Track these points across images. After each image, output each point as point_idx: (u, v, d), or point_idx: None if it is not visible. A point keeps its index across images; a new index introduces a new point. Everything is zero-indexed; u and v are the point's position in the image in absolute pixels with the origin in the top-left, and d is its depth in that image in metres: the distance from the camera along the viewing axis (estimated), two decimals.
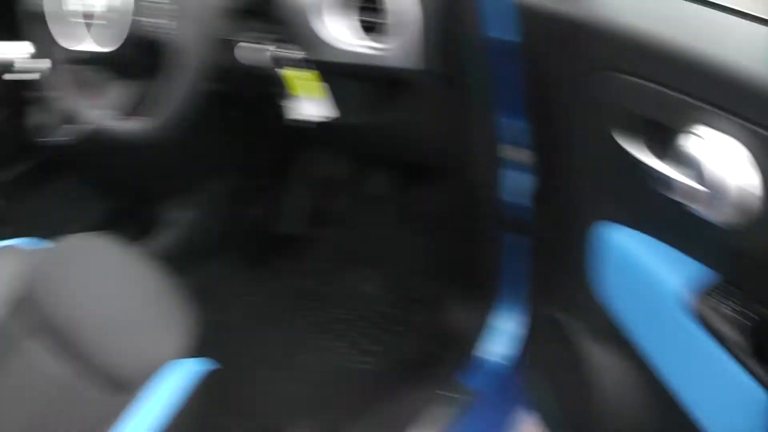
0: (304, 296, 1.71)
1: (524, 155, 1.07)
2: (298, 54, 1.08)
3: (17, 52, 1.30)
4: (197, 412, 1.00)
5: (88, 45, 1.11)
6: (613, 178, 0.90)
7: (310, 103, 1.11)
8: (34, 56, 1.28)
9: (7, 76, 1.31)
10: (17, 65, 1.30)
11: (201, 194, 1.72)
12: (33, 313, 1.00)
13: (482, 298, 1.35)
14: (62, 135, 1.37)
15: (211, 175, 1.71)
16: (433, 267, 1.59)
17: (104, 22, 1.08)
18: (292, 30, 1.08)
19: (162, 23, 1.05)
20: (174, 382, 0.96)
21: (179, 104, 1.04)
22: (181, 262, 1.24)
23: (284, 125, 1.15)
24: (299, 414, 1.46)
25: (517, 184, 1.12)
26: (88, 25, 1.10)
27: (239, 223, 1.80)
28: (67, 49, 1.15)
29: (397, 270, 1.70)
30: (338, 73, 1.11)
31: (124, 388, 0.95)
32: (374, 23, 1.04)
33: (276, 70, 1.09)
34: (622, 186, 0.89)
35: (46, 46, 1.18)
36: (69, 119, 1.23)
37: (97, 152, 1.48)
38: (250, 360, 1.56)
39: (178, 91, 1.04)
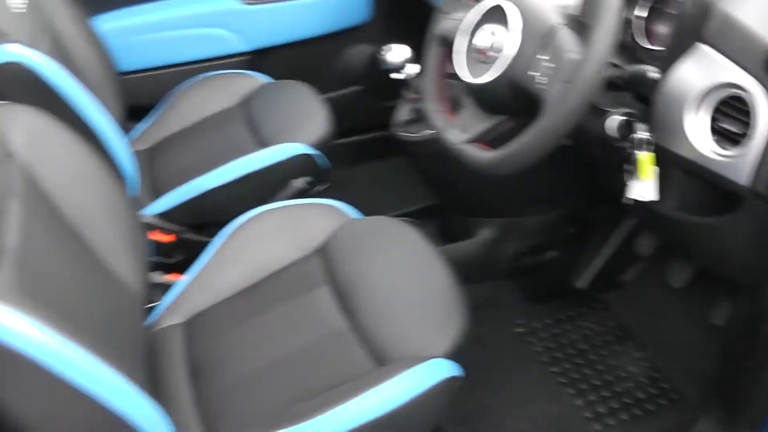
0: (564, 347, 1.77)
1: None
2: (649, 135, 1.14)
3: (403, 55, 1.63)
4: (436, 411, 1.15)
5: (463, 71, 1.25)
6: None
7: (644, 185, 1.16)
8: (409, 60, 1.63)
9: (393, 75, 1.64)
10: (405, 70, 1.64)
11: (510, 220, 1.80)
12: (327, 264, 1.34)
13: (742, 424, 1.36)
14: (414, 133, 1.67)
15: (524, 207, 1.78)
16: (702, 371, 1.58)
17: (485, 59, 1.20)
18: (659, 114, 1.15)
19: (536, 76, 1.11)
20: (427, 376, 1.10)
21: (529, 152, 1.10)
22: (468, 273, 1.37)
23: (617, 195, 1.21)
24: None
25: None
26: (474, 57, 1.23)
27: (535, 257, 1.85)
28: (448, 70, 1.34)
29: (666, 360, 1.72)
30: (678, 167, 1.16)
31: (385, 364, 1.15)
32: (728, 131, 1.09)
33: (632, 149, 1.14)
34: None
35: (431, 63, 1.39)
36: (424, 123, 1.48)
37: (433, 156, 1.63)
38: (493, 381, 1.67)
39: (533, 139, 1.09)
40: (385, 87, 1.88)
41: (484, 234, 1.81)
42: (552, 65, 1.10)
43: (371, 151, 2.31)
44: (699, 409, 1.48)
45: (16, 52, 1.38)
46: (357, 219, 1.46)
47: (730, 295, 1.53)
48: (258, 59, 2.20)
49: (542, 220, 1.81)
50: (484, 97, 1.25)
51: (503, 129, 1.24)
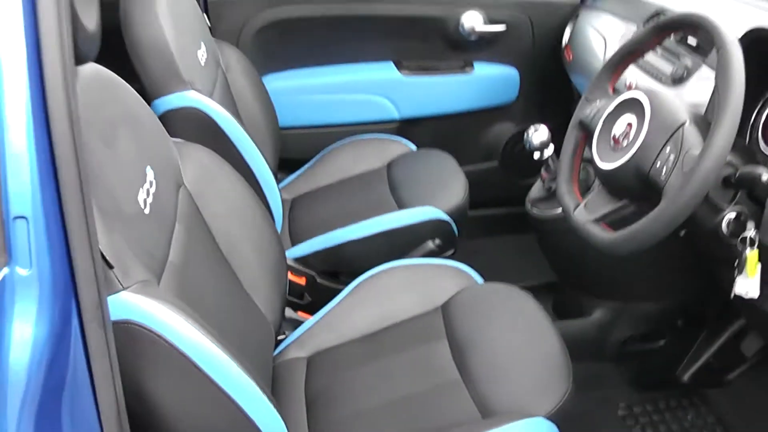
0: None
1: None
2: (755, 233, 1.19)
3: (545, 136, 1.70)
4: None
5: (597, 156, 1.34)
6: None
7: (749, 282, 1.20)
8: (547, 142, 1.70)
9: (536, 155, 1.72)
10: (546, 151, 1.71)
11: (624, 304, 1.85)
12: (447, 320, 1.44)
13: None
14: (545, 210, 1.75)
15: (639, 293, 1.83)
16: None
17: (617, 146, 1.30)
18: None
19: (660, 166, 1.20)
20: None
21: (647, 235, 1.17)
22: (577, 351, 1.44)
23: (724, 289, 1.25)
24: None
25: None
26: (607, 144, 1.33)
27: (643, 344, 1.90)
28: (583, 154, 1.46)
29: None
30: None
31: (490, 416, 1.24)
32: None
33: (741, 247, 1.19)
34: None
35: (569, 145, 1.48)
36: (555, 202, 1.57)
37: (559, 234, 1.75)
38: None
39: (651, 224, 1.16)
40: (522, 165, 1.96)
41: (598, 315, 1.85)
42: (675, 158, 1.17)
43: (502, 225, 2.40)
44: None
45: (195, 98, 1.57)
46: (480, 283, 1.53)
47: None
48: (407, 127, 2.34)
49: (654, 308, 1.82)
50: (611, 182, 1.32)
51: (625, 213, 1.30)
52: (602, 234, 1.28)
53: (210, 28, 2.00)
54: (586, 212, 1.35)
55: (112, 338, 0.86)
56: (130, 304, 0.91)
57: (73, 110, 0.79)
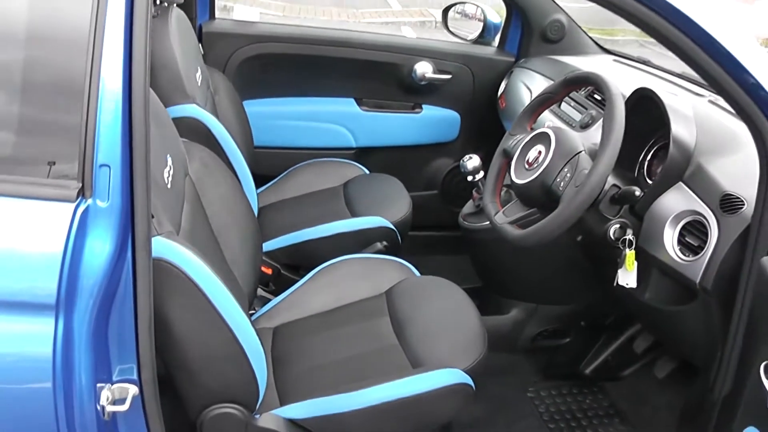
0: (562, 412, 2.15)
1: None
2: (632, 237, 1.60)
3: (476, 163, 2.08)
4: (447, 409, 1.53)
5: (513, 174, 1.73)
6: None
7: (628, 275, 1.60)
8: (478, 168, 2.08)
9: (469, 178, 2.10)
10: (477, 176, 2.09)
11: (536, 306, 2.23)
12: (390, 302, 1.78)
13: None
14: (473, 224, 2.11)
15: (549, 296, 2.22)
16: None
17: (529, 167, 1.68)
18: (646, 227, 1.60)
19: (559, 182, 1.59)
20: (444, 377, 1.50)
21: (546, 232, 1.54)
22: (496, 342, 1.78)
23: (612, 286, 1.63)
24: None
25: None
26: (522, 166, 1.71)
27: (551, 340, 2.29)
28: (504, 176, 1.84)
29: None
30: (656, 266, 1.58)
31: (419, 366, 1.56)
32: (690, 243, 1.52)
33: (622, 248, 1.59)
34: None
35: (493, 169, 1.87)
36: (482, 216, 1.92)
37: (484, 243, 2.14)
38: (499, 428, 2.07)
39: (549, 223, 1.53)
40: (458, 195, 2.35)
41: (513, 313, 2.24)
42: (570, 176, 1.57)
43: (438, 246, 2.77)
44: None
45: (196, 110, 1.91)
46: (418, 276, 1.89)
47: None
48: (362, 154, 2.74)
49: (561, 310, 2.22)
50: (523, 194, 1.71)
51: (533, 218, 1.68)
52: (514, 231, 1.66)
53: (203, 56, 2.35)
54: (504, 216, 1.74)
55: (151, 265, 1.18)
56: (164, 245, 1.23)
57: (147, 88, 1.13)
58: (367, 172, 2.54)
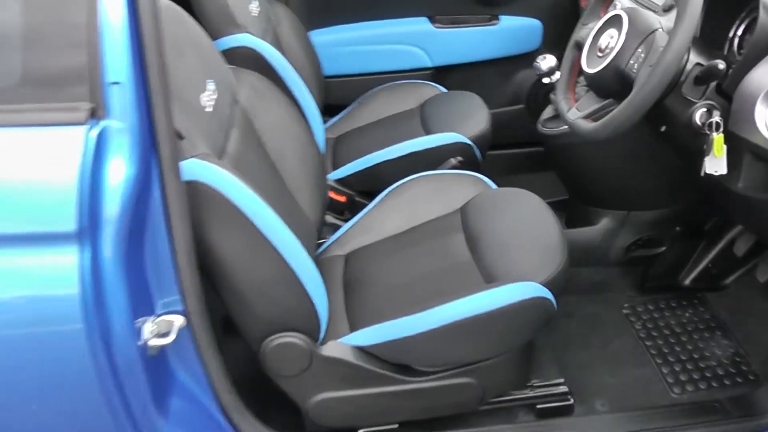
0: (660, 328, 1.98)
1: None
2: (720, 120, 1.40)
3: (551, 62, 1.94)
4: (527, 325, 1.44)
5: (585, 65, 1.58)
6: None
7: (717, 161, 1.41)
8: (556, 68, 1.92)
9: (545, 80, 1.96)
10: (554, 76, 1.93)
11: (628, 213, 2.05)
12: (464, 218, 1.67)
13: None
14: (553, 128, 1.98)
15: (641, 201, 2.04)
16: None
17: (602, 54, 1.52)
18: (735, 107, 1.39)
19: (632, 65, 1.44)
20: (522, 291, 1.38)
21: (621, 120, 1.41)
22: (586, 257, 1.74)
23: (701, 178, 1.45)
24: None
25: None
26: (594, 54, 1.56)
27: (646, 249, 2.11)
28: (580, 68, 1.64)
29: (750, 348, 1.89)
30: (749, 150, 1.39)
31: (493, 281, 1.45)
32: None
33: (709, 132, 1.40)
34: None
35: (566, 62, 1.73)
36: (562, 120, 1.75)
37: (566, 148, 2.01)
38: (594, 346, 1.92)
39: (624, 110, 1.39)
40: (544, 107, 2.18)
41: (604, 223, 2.06)
42: (644, 55, 1.39)
43: (525, 163, 2.62)
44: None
45: (250, 39, 1.83)
46: (493, 188, 1.76)
47: None
48: (440, 74, 2.59)
49: (655, 216, 2.02)
50: (596, 83, 1.55)
51: (609, 109, 1.51)
52: (587, 125, 1.50)
53: None
54: (577, 111, 1.58)
55: (183, 188, 1.11)
56: (199, 166, 1.16)
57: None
58: (446, 91, 2.40)
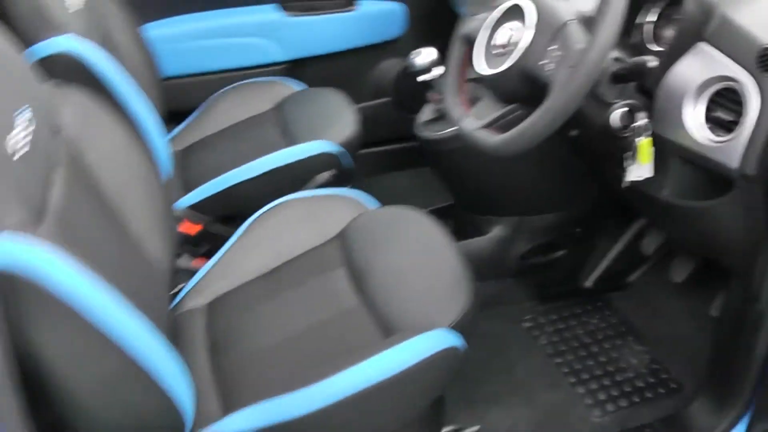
0: (567, 340, 1.81)
1: None
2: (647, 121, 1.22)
3: (430, 57, 1.67)
4: (438, 380, 1.22)
5: (481, 65, 1.33)
6: None
7: (642, 168, 1.24)
8: (435, 63, 1.67)
9: (421, 78, 1.69)
10: (432, 72, 1.68)
11: (521, 219, 1.85)
12: (344, 249, 1.41)
13: (731, 405, 1.40)
14: (435, 132, 1.73)
15: (535, 206, 1.83)
16: (700, 361, 1.62)
17: (503, 52, 1.29)
18: (659, 106, 1.24)
19: (546, 64, 1.20)
20: (429, 344, 1.15)
21: (535, 131, 1.16)
22: (479, 270, 1.44)
23: (619, 186, 1.28)
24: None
25: None
26: (492, 53, 1.32)
27: (544, 255, 1.91)
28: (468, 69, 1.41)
29: (666, 352, 1.77)
30: (675, 154, 1.24)
31: (392, 333, 1.22)
32: (722, 119, 1.18)
33: (633, 137, 1.22)
34: None
35: (453, 61, 1.46)
36: (446, 122, 1.53)
37: (451, 154, 1.75)
38: (499, 371, 1.73)
39: (539, 119, 1.15)
40: (413, 99, 1.96)
41: (496, 231, 1.86)
42: (560, 54, 1.18)
43: (397, 161, 2.40)
44: (695, 395, 1.51)
45: (67, 43, 1.48)
46: (375, 208, 1.52)
47: (725, 284, 1.57)
48: (295, 68, 2.30)
49: (551, 220, 1.85)
50: (498, 87, 1.32)
51: (515, 115, 1.31)
52: (490, 138, 1.27)
53: None
54: (476, 120, 1.35)
55: None
56: (7, 248, 0.85)
57: None
58: (304, 88, 2.13)
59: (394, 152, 2.43)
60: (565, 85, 1.12)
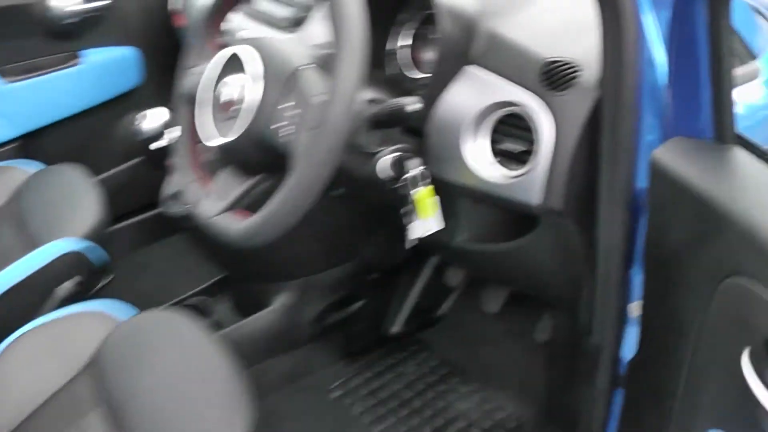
0: (385, 401, 1.65)
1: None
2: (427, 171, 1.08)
3: (160, 119, 1.52)
4: None
5: (208, 131, 1.11)
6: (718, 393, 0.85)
7: (425, 222, 1.08)
8: (168, 125, 1.46)
9: (154, 145, 1.52)
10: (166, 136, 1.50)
11: (307, 279, 1.66)
12: (98, 380, 1.17)
13: None
14: (177, 208, 1.51)
15: (318, 263, 1.65)
16: (534, 390, 1.54)
17: (231, 114, 1.06)
18: (433, 146, 1.11)
19: (282, 127, 1.00)
20: None
21: (284, 214, 0.98)
22: (271, 346, 1.30)
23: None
24: None
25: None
26: (220, 114, 1.09)
27: (340, 311, 1.74)
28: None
29: (496, 388, 1.65)
30: (461, 196, 1.12)
31: None
32: (510, 152, 1.06)
33: (407, 189, 1.07)
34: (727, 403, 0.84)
35: (181, 126, 1.24)
36: (179, 196, 1.30)
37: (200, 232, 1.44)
38: None
39: (286, 199, 0.97)
40: (166, 155, 1.74)
41: (281, 300, 1.67)
42: (298, 112, 1.00)
43: (160, 229, 2.14)
44: (537, 428, 1.44)
45: None
46: (125, 321, 1.30)
47: (549, 310, 1.50)
48: (28, 145, 2.00)
49: (341, 272, 1.70)
50: (236, 157, 1.12)
51: (262, 190, 1.11)
52: (233, 225, 1.07)
53: None
54: (215, 202, 1.14)
55: None
56: None
57: None
58: (43, 167, 1.84)
59: (155, 219, 2.15)
60: (310, 154, 0.95)
